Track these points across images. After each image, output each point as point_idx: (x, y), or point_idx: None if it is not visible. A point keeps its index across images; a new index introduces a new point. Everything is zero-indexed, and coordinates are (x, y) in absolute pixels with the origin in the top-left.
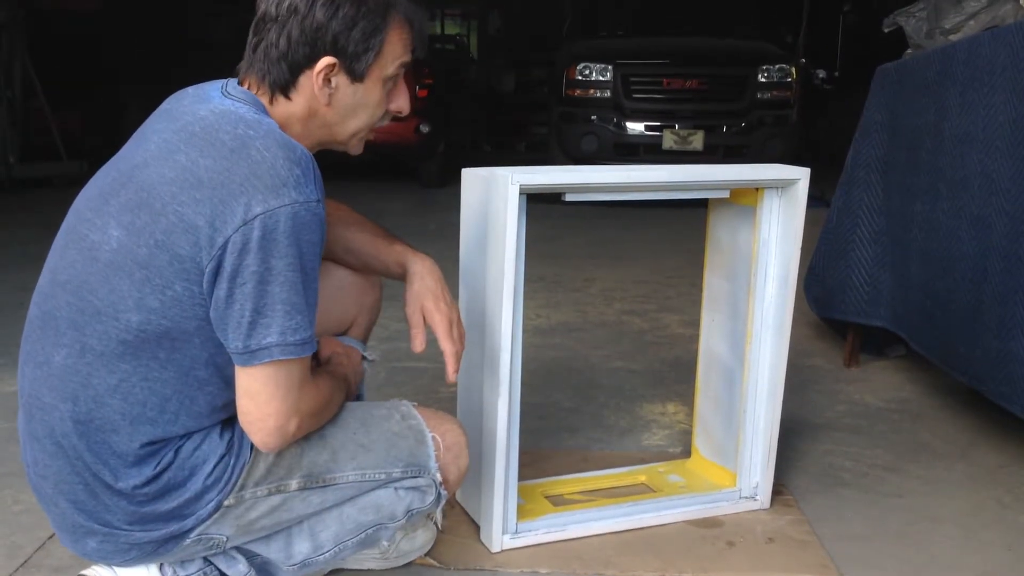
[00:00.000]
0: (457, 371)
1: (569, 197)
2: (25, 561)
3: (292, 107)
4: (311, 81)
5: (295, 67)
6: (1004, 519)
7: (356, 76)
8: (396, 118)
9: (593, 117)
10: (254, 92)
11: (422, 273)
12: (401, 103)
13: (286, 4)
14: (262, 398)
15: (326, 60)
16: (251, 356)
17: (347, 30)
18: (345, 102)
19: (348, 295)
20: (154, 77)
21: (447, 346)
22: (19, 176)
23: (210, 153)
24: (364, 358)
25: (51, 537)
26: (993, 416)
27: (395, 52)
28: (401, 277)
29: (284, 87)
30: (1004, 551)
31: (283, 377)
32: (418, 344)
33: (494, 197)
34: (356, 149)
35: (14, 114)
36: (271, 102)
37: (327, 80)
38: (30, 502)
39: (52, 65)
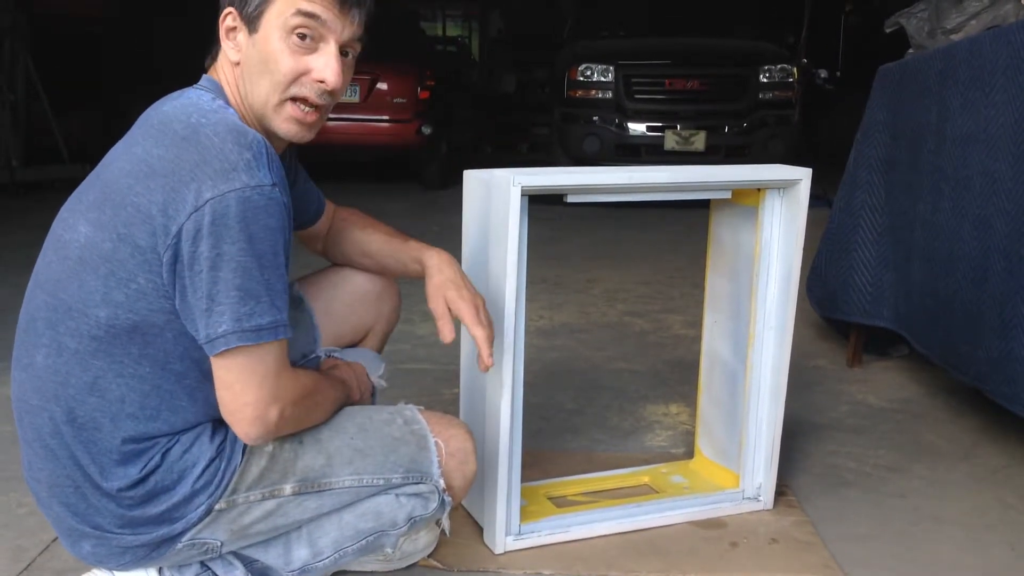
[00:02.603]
0: (492, 355)
1: (571, 198)
2: (29, 564)
3: (224, 73)
4: (224, 39)
5: (218, 31)
6: (1007, 519)
7: (251, 25)
8: (398, 120)
9: (595, 118)
10: (214, 74)
11: (440, 265)
12: (323, 71)
13: None
14: (237, 388)
15: (225, 10)
16: (211, 345)
17: None
18: (249, 57)
19: (365, 303)
20: (156, 80)
21: (477, 332)
22: (22, 179)
23: (162, 143)
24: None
25: (55, 540)
26: (996, 416)
27: None
28: (419, 274)
29: (216, 54)
30: (1007, 551)
31: (256, 364)
32: (447, 333)
33: (496, 199)
34: (281, 125)
35: (17, 117)
36: (217, 74)
37: (231, 33)
38: (35, 505)
39: (55, 68)
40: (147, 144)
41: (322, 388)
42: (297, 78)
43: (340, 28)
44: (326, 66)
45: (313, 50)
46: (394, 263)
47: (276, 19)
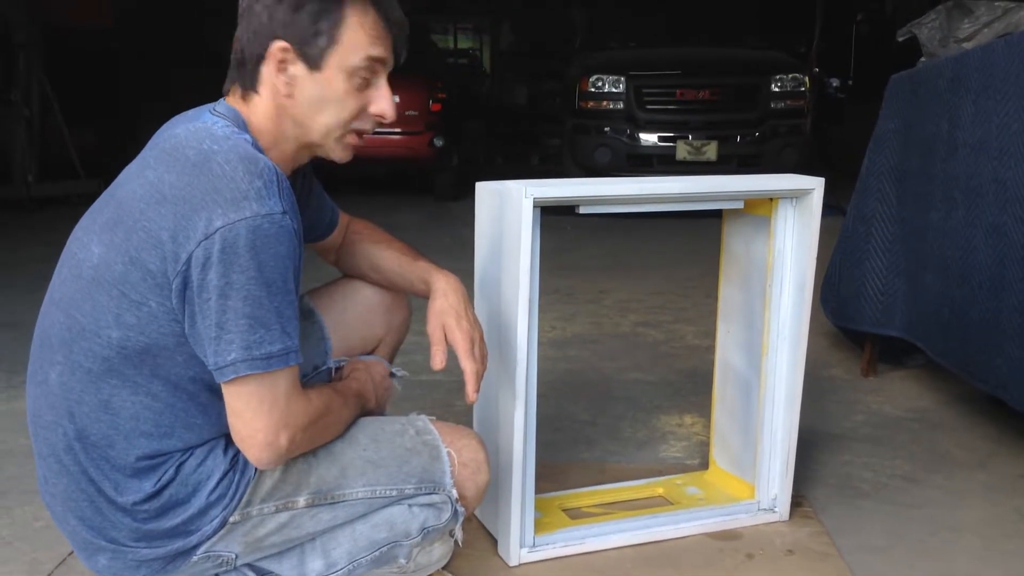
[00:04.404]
0: (477, 391)
1: (583, 209)
2: None
3: (262, 103)
4: (271, 71)
5: (255, 59)
6: None
7: (312, 63)
8: (410, 132)
9: (606, 129)
10: (237, 102)
11: (445, 290)
12: (382, 106)
13: (245, 3)
14: (247, 415)
15: (277, 44)
16: (220, 373)
17: (295, 11)
18: (307, 94)
19: (375, 314)
20: (170, 94)
21: (467, 365)
22: (37, 195)
23: (174, 169)
24: (392, 374)
25: (71, 554)
26: (1013, 425)
27: (357, 41)
28: (425, 294)
29: (251, 82)
30: None
31: (266, 391)
32: (438, 361)
33: (508, 210)
34: (338, 153)
35: (32, 133)
36: (246, 102)
37: (282, 66)
38: (51, 518)
39: (68, 83)
40: (159, 169)
41: (334, 407)
42: (359, 115)
43: (391, 64)
44: (386, 102)
45: (368, 86)
46: (401, 280)
47: (342, 61)
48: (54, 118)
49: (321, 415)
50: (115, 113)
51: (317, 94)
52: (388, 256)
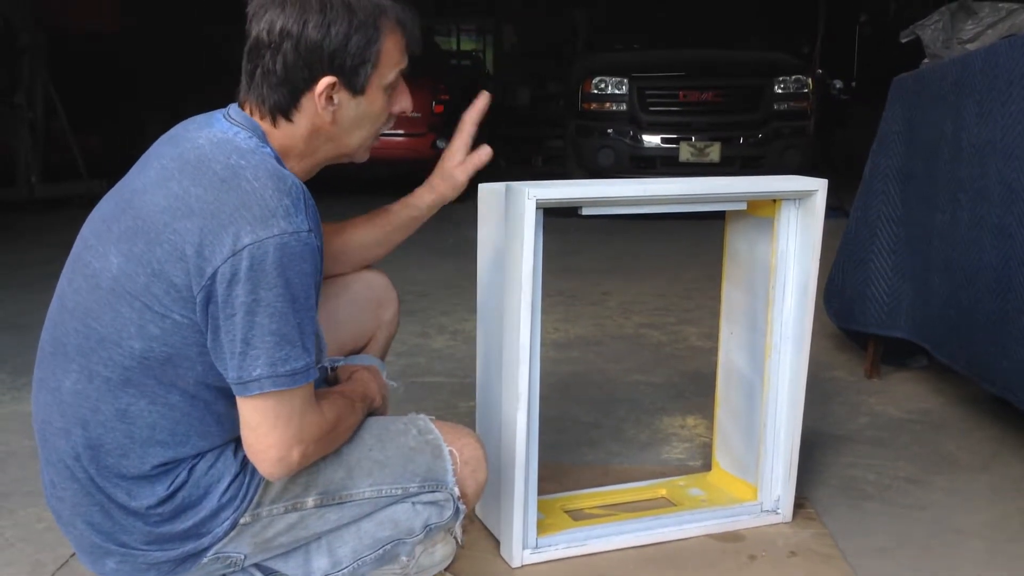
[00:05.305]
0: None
1: (586, 211)
2: None
3: (295, 128)
4: (313, 102)
5: (295, 90)
6: None
7: (357, 90)
8: (412, 134)
9: (609, 130)
10: (255, 117)
11: (436, 182)
12: (404, 104)
13: (278, 28)
14: (262, 429)
15: (326, 80)
16: (243, 387)
17: (343, 46)
18: (349, 116)
19: (365, 310)
20: (173, 96)
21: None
22: (41, 196)
23: (201, 183)
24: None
25: (73, 555)
26: (1017, 426)
27: (392, 59)
28: (432, 203)
29: (285, 111)
30: None
31: (283, 407)
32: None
33: (511, 212)
34: (362, 157)
35: (35, 134)
36: (274, 125)
37: (329, 99)
38: (53, 520)
39: (72, 84)
40: (184, 182)
41: (344, 416)
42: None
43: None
44: (407, 99)
45: (393, 91)
46: (406, 219)
47: (380, 81)
48: (58, 120)
49: (333, 427)
50: (118, 115)
51: (358, 115)
52: (372, 222)
